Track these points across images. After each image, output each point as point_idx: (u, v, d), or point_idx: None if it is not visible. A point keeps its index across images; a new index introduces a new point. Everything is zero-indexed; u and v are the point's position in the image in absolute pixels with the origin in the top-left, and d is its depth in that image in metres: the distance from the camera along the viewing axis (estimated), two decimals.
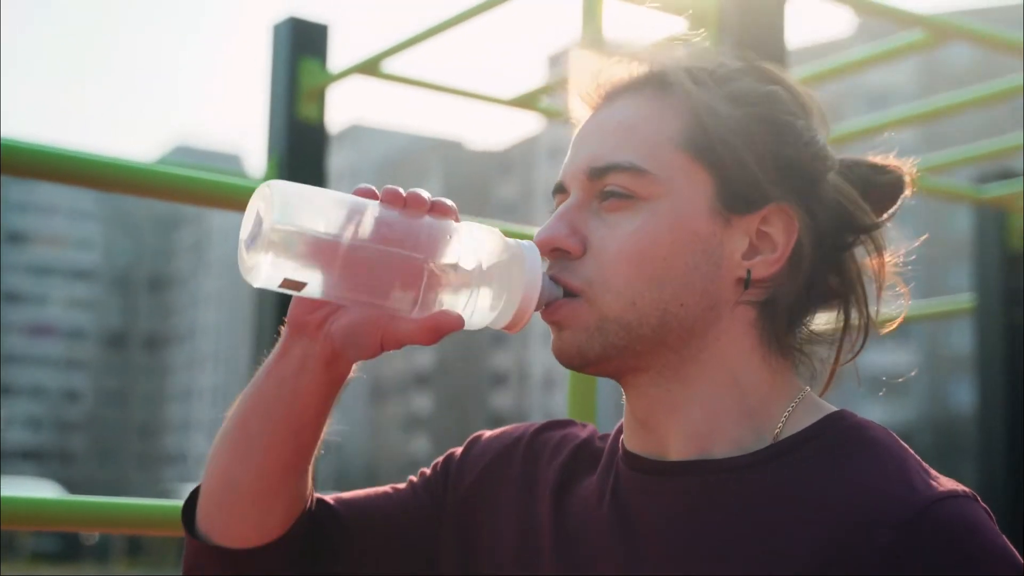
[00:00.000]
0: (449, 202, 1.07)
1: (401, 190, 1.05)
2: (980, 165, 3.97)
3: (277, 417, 1.11)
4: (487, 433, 1.29)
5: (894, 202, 1.17)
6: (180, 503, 1.84)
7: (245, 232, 1.02)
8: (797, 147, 1.10)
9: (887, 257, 1.15)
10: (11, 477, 34.94)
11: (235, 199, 1.96)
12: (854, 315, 1.14)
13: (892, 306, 1.19)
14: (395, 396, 67.70)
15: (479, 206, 57.17)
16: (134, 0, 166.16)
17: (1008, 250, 3.74)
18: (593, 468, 1.18)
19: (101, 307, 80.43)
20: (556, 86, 3.16)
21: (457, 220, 1.07)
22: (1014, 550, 1.00)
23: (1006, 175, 3.81)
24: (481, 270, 1.05)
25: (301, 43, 2.91)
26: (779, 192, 1.09)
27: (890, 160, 1.18)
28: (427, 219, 1.05)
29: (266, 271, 1.00)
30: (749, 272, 1.09)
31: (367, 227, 1.02)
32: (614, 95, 1.15)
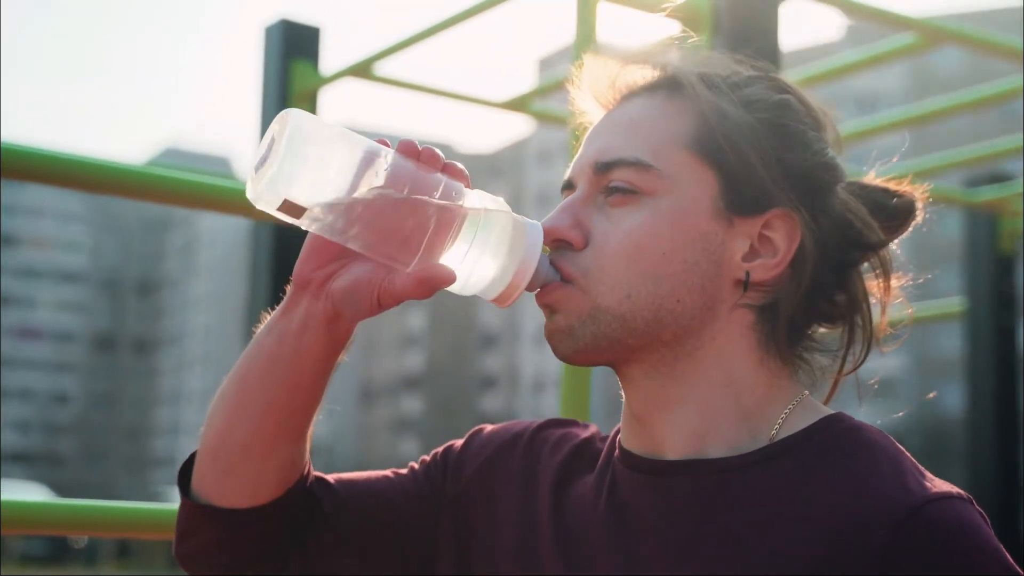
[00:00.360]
0: (462, 167, 1.07)
1: (418, 144, 1.06)
2: (970, 169, 3.98)
3: (276, 374, 1.11)
4: (488, 427, 1.30)
5: (905, 225, 1.18)
6: (169, 506, 1.86)
7: (257, 157, 1.02)
8: (805, 155, 1.11)
9: (893, 280, 1.17)
10: None
11: (225, 201, 1.96)
12: (858, 333, 1.15)
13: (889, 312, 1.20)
14: (385, 398, 67.68)
15: None
16: (123, 2, 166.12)
17: (999, 254, 3.75)
18: (592, 466, 1.19)
19: (89, 310, 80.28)
20: (549, 89, 3.16)
21: (468, 186, 1.08)
22: (1007, 553, 1.00)
23: (996, 179, 3.82)
24: (484, 235, 1.05)
25: (293, 45, 2.90)
26: (784, 197, 1.10)
27: (903, 185, 1.18)
28: (439, 175, 1.05)
29: (269, 189, 1.00)
30: (748, 274, 1.10)
31: (379, 169, 1.02)
32: (628, 97, 1.16)
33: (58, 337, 78.67)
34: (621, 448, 1.15)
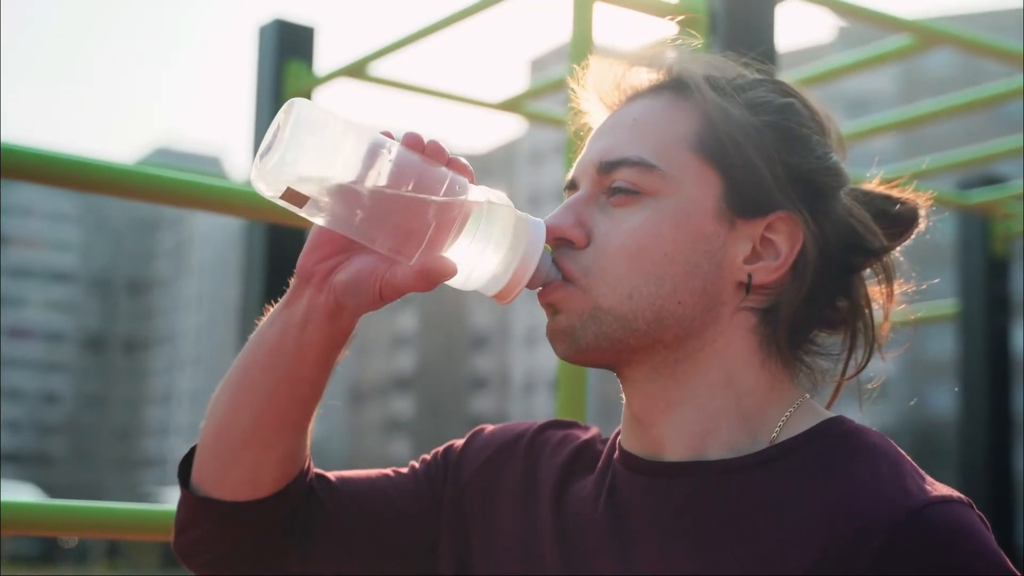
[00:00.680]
0: (466, 162, 1.07)
1: (424, 137, 1.06)
2: (962, 171, 3.98)
3: (278, 366, 1.11)
4: (489, 427, 1.30)
5: (907, 233, 1.18)
6: (160, 508, 1.85)
7: (264, 145, 1.02)
8: (809, 159, 1.11)
9: (896, 287, 1.17)
10: None
11: (216, 201, 1.95)
12: (860, 339, 1.15)
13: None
14: (375, 399, 67.67)
15: None
16: (117, 1, 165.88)
17: (992, 256, 3.75)
18: (592, 468, 1.19)
19: (80, 310, 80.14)
20: (544, 90, 3.16)
21: (472, 181, 1.07)
22: (1006, 557, 1.00)
23: (989, 181, 3.82)
24: (487, 230, 1.05)
25: (287, 45, 2.90)
26: (787, 200, 1.10)
27: (906, 193, 1.19)
28: (444, 168, 1.05)
29: (272, 176, 1.00)
30: (750, 276, 1.10)
31: (384, 160, 1.02)
32: (633, 97, 1.16)
33: (48, 337, 78.53)
34: (621, 449, 1.15)
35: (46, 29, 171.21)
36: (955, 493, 1.02)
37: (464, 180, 1.06)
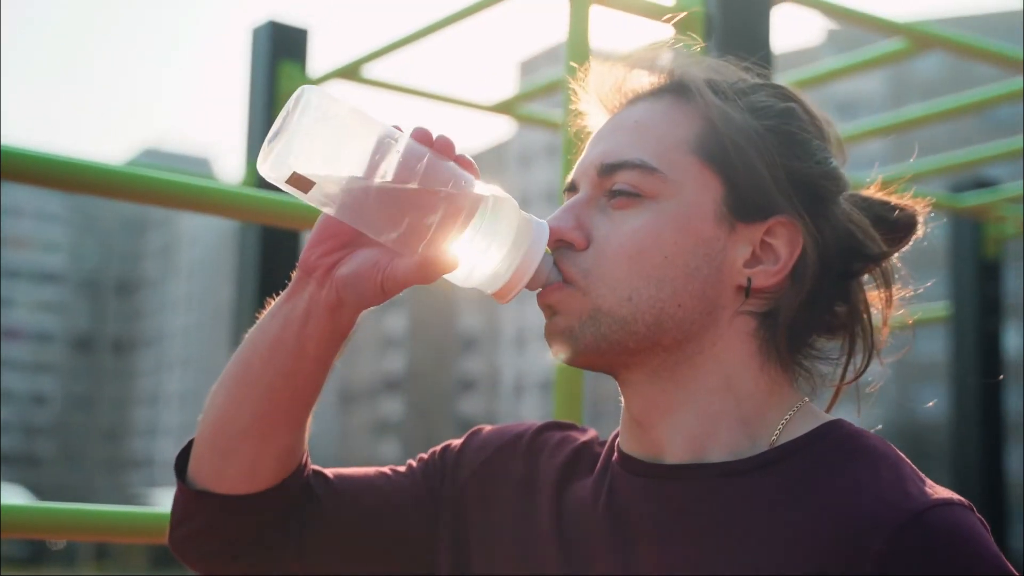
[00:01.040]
0: (471, 159, 1.08)
1: (432, 132, 1.06)
2: (953, 174, 3.99)
3: (278, 359, 1.12)
4: (486, 427, 1.30)
5: (906, 239, 1.18)
6: (149, 510, 1.85)
7: (273, 130, 1.03)
8: (809, 164, 1.12)
9: (895, 291, 1.17)
10: None
11: (205, 202, 1.94)
12: (859, 344, 1.15)
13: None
14: (364, 401, 67.62)
15: None
16: (110, 2, 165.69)
17: (983, 259, 3.77)
18: (591, 470, 1.19)
19: (68, 310, 79.96)
20: (537, 92, 3.17)
21: (478, 178, 1.08)
22: (1006, 560, 1.00)
23: (981, 184, 3.83)
24: (491, 227, 1.05)
25: (281, 47, 2.91)
26: (787, 205, 1.10)
27: (905, 199, 1.19)
28: (451, 163, 1.05)
29: (279, 160, 1.01)
30: (750, 280, 1.10)
31: (392, 152, 1.02)
32: (634, 100, 1.17)
33: (37, 338, 78.31)
34: (620, 452, 1.15)
35: (38, 30, 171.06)
36: (955, 496, 1.02)
37: (471, 177, 1.06)
